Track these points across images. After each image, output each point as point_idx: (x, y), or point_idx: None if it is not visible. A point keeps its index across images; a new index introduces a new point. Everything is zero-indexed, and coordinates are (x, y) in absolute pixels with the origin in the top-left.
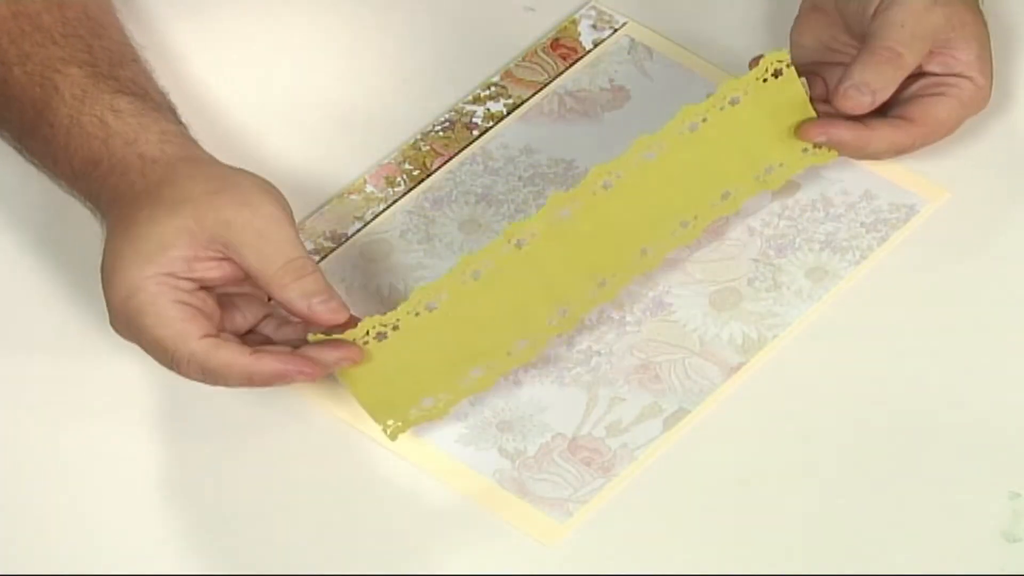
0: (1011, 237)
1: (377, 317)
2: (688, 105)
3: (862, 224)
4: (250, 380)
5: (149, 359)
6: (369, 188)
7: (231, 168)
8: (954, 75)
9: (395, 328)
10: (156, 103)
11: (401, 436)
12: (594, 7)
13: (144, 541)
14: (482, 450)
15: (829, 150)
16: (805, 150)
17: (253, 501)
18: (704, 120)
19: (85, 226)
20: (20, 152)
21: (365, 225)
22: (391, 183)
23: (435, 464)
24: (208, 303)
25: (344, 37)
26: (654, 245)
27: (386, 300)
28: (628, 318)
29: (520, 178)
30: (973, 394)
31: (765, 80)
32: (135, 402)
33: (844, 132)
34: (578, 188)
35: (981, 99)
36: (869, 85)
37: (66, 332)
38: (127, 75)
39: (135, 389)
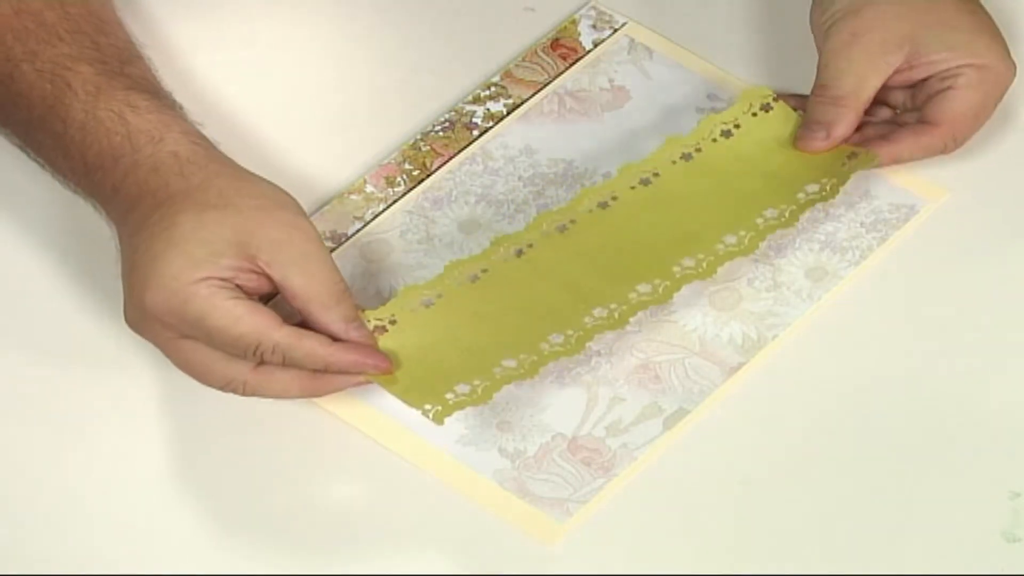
0: (1011, 237)
1: (371, 311)
2: (673, 136)
3: (862, 224)
4: (327, 368)
5: (149, 359)
6: (369, 188)
7: (263, 180)
8: (948, 69)
9: (392, 322)
10: (170, 101)
11: (400, 436)
12: (594, 7)
13: (144, 541)
14: (482, 450)
15: (868, 153)
16: (843, 164)
17: (252, 500)
18: (698, 150)
19: (90, 227)
20: (23, 149)
21: (365, 225)
22: (391, 183)
23: (435, 464)
24: None
25: (344, 37)
26: (702, 255)
27: (386, 300)
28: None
29: (520, 178)
30: (973, 394)
31: (755, 114)
32: (138, 402)
33: (872, 149)
34: (567, 207)
35: (993, 76)
36: (819, 123)
37: (69, 331)
38: (137, 72)
39: (137, 389)
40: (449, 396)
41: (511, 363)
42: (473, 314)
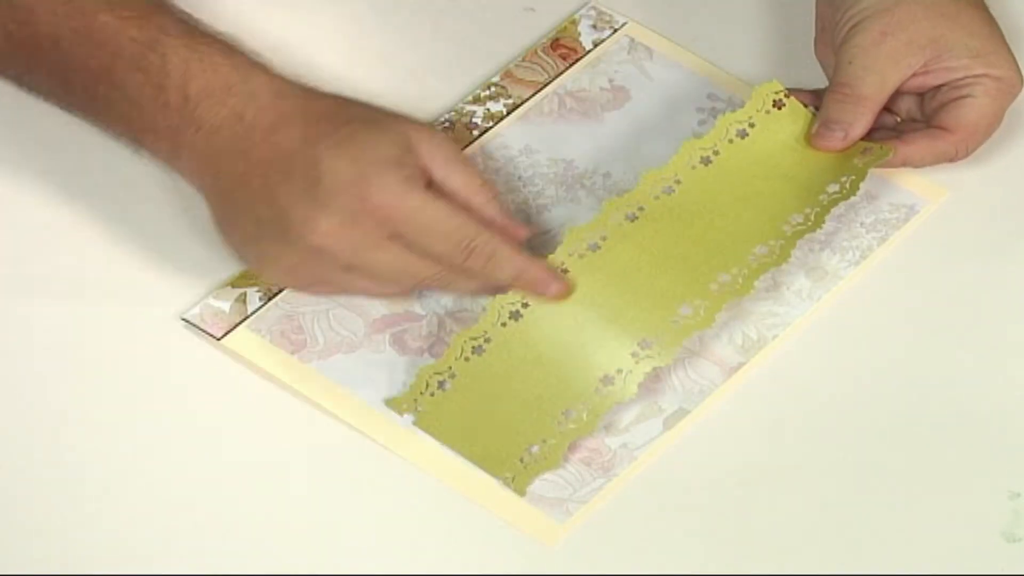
0: (1011, 237)
1: (432, 365)
2: (690, 140)
3: (862, 224)
4: (517, 277)
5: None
6: None
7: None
8: (967, 77)
9: (452, 376)
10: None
11: (400, 436)
12: (594, 7)
13: (144, 541)
14: None
15: (882, 147)
16: (857, 159)
17: (251, 500)
18: (716, 153)
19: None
20: (66, 106)
21: None
22: None
23: (435, 464)
24: None
25: (344, 37)
26: (736, 270)
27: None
28: None
29: (520, 178)
30: (973, 394)
31: (768, 112)
32: (128, 397)
33: (886, 143)
34: (595, 221)
35: (1008, 87)
36: (838, 123)
37: (66, 320)
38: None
39: (136, 387)
40: (523, 459)
41: (571, 413)
42: (524, 359)
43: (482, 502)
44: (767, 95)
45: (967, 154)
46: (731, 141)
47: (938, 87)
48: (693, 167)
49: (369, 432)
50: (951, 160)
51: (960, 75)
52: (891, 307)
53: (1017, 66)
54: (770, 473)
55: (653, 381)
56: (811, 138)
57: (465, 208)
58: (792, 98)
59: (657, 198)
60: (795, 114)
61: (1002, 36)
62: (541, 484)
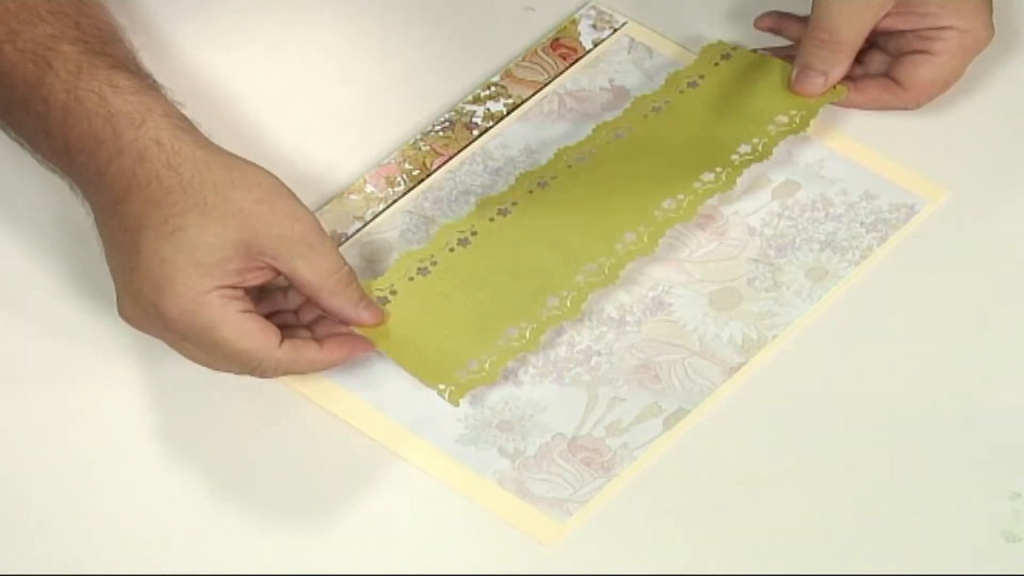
0: (1011, 237)
1: (371, 282)
2: (641, 95)
3: (862, 224)
4: (325, 368)
5: (145, 352)
6: (369, 188)
7: (248, 163)
8: (932, 29)
9: (393, 292)
10: (150, 81)
11: (400, 436)
12: (594, 7)
13: (141, 540)
14: (482, 450)
15: (835, 88)
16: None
17: (250, 500)
18: (667, 103)
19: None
20: (4, 129)
21: (365, 225)
22: (391, 183)
23: (435, 464)
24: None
25: (344, 37)
26: (682, 196)
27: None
28: (628, 318)
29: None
30: (973, 394)
31: (717, 64)
32: (131, 394)
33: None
34: (545, 166)
35: (972, 41)
36: (815, 67)
37: (64, 323)
38: (119, 52)
39: (135, 385)
40: (460, 374)
41: (513, 332)
42: (469, 281)
43: (482, 502)
44: (714, 52)
45: (918, 107)
46: (681, 92)
47: (903, 32)
48: (644, 116)
49: (368, 432)
50: (903, 109)
51: (926, 24)
52: (891, 307)
53: (987, 18)
54: (770, 473)
55: (653, 381)
56: (791, 83)
57: (314, 300)
58: (739, 49)
59: (608, 143)
60: (743, 59)
61: None
62: (541, 484)
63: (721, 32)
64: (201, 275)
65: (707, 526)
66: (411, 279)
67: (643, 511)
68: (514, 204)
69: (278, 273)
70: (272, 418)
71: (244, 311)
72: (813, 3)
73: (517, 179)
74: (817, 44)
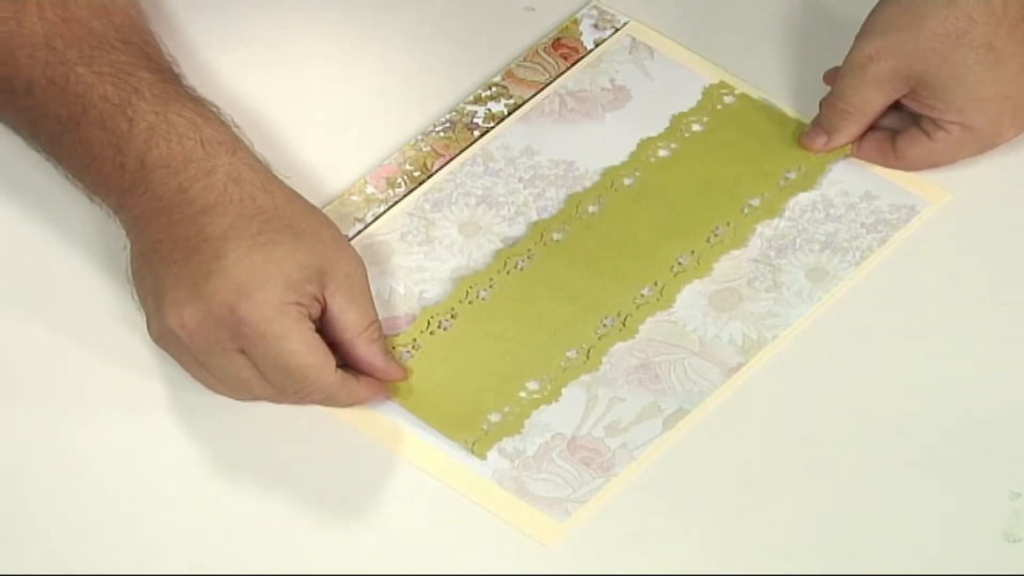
0: (1011, 237)
1: (395, 338)
2: (647, 137)
3: (862, 225)
4: (355, 404)
5: (156, 362)
6: (370, 189)
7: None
8: (936, 120)
9: (415, 347)
10: (217, 112)
11: (400, 436)
12: (595, 7)
13: (143, 541)
14: None
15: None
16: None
17: (251, 500)
18: (674, 146)
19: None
20: (32, 140)
21: (366, 227)
22: (392, 184)
23: (435, 464)
24: None
25: (344, 37)
26: (695, 250)
27: (387, 303)
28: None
29: (521, 179)
30: (973, 394)
31: (720, 107)
32: (146, 403)
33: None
34: (558, 215)
35: (975, 137)
36: (823, 127)
37: (80, 331)
38: (186, 85)
39: (142, 390)
40: (484, 426)
41: (534, 385)
42: (489, 334)
43: (482, 502)
44: (716, 95)
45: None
46: (688, 136)
47: (914, 112)
48: (652, 160)
49: (368, 432)
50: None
51: (933, 115)
52: (891, 308)
53: (1002, 116)
54: (769, 473)
55: (652, 381)
56: (799, 137)
57: (349, 343)
58: (743, 93)
59: (617, 189)
60: (748, 106)
61: (1006, 83)
62: (540, 484)
63: (721, 32)
64: (286, 287)
65: (707, 526)
66: (432, 333)
67: (643, 511)
68: (530, 256)
69: (321, 313)
70: (272, 418)
71: (312, 330)
72: (840, 70)
73: (530, 228)
74: (830, 108)
